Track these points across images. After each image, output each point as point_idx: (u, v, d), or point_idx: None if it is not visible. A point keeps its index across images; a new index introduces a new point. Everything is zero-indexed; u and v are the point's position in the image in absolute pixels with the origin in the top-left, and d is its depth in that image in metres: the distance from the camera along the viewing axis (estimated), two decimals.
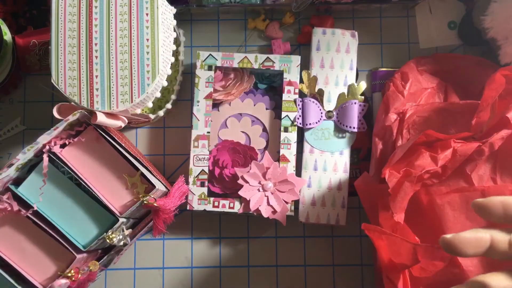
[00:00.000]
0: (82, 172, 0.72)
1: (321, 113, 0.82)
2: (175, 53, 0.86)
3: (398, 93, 0.81)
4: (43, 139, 0.70)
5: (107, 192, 0.73)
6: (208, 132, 0.82)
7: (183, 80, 0.87)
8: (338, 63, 0.83)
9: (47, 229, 0.70)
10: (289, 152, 0.81)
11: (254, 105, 0.85)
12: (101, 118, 0.70)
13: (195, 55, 0.88)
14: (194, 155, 0.81)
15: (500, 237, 0.50)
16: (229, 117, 0.85)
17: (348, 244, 0.86)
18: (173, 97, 0.85)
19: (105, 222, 0.73)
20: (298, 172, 0.82)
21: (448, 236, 0.50)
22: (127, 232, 0.74)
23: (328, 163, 0.82)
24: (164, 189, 0.78)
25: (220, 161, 0.82)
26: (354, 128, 0.82)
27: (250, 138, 0.85)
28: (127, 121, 0.75)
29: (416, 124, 0.79)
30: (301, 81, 0.83)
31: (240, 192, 0.80)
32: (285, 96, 0.82)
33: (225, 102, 0.85)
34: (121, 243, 0.73)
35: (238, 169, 0.81)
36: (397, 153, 0.72)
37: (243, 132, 0.85)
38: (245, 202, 0.80)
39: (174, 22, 0.78)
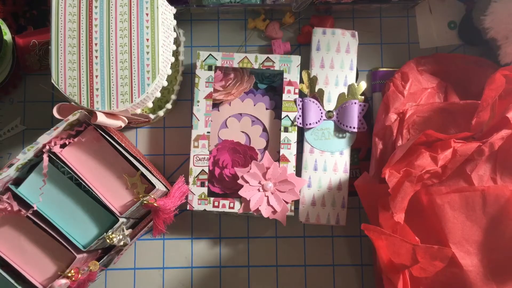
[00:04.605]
0: (82, 172, 0.72)
1: (321, 113, 0.82)
2: (175, 53, 0.86)
3: (398, 93, 0.81)
4: (43, 139, 0.70)
5: (107, 192, 0.73)
6: (208, 132, 0.82)
7: (183, 80, 0.87)
8: (338, 63, 0.83)
9: (47, 229, 0.70)
10: (289, 152, 0.81)
11: (254, 105, 0.85)
12: (101, 118, 0.70)
13: (195, 55, 0.88)
14: (194, 155, 0.81)
15: None
16: (229, 117, 0.85)
17: (348, 244, 0.86)
18: (173, 97, 0.85)
19: (105, 222, 0.73)
20: (298, 172, 0.82)
21: None
22: (127, 232, 0.74)
23: (328, 163, 0.82)
24: (164, 189, 0.78)
25: (220, 161, 0.82)
26: (354, 128, 0.82)
27: (250, 138, 0.85)
28: (127, 121, 0.75)
29: (416, 124, 0.79)
30: (301, 81, 0.83)
31: (240, 192, 0.80)
32: (285, 96, 0.82)
33: (225, 102, 0.85)
34: (121, 243, 0.73)
35: (238, 169, 0.81)
36: (397, 153, 0.72)
37: (243, 132, 0.85)
38: (245, 202, 0.80)
39: (174, 22, 0.78)
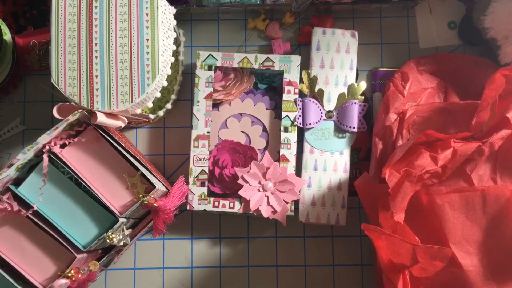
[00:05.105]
0: (82, 172, 0.72)
1: (321, 113, 0.82)
2: (175, 53, 0.86)
3: (398, 93, 0.81)
4: (43, 139, 0.70)
5: (107, 192, 0.73)
6: (208, 132, 0.82)
7: (183, 80, 0.87)
8: (338, 63, 0.83)
9: (47, 229, 0.70)
10: (289, 152, 0.81)
11: (254, 105, 0.85)
12: (101, 118, 0.70)
13: (195, 55, 0.88)
14: (194, 155, 0.81)
15: None
16: (229, 117, 0.85)
17: (348, 244, 0.86)
18: (173, 97, 0.85)
19: (105, 222, 0.73)
20: (298, 172, 0.82)
21: None
22: (127, 232, 0.74)
23: (328, 163, 0.82)
24: (164, 189, 0.78)
25: (220, 161, 0.82)
26: (354, 128, 0.82)
27: (250, 138, 0.85)
28: (127, 121, 0.75)
29: (416, 124, 0.79)
30: (301, 81, 0.83)
31: (240, 192, 0.80)
32: (285, 96, 0.82)
33: (225, 102, 0.85)
34: (121, 243, 0.73)
35: (238, 169, 0.81)
36: (397, 153, 0.72)
37: (243, 132, 0.85)
38: (245, 202, 0.80)
39: (174, 22, 0.78)
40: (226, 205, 0.81)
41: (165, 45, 0.73)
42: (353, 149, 0.85)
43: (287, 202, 0.80)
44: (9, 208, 0.70)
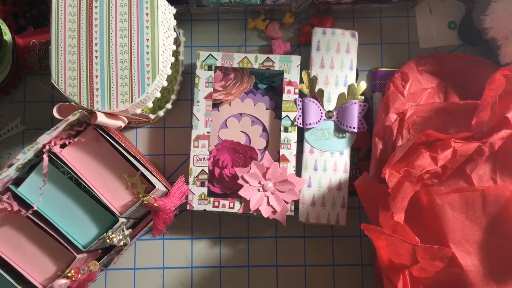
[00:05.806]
0: (82, 172, 0.72)
1: (321, 113, 0.82)
2: (175, 53, 0.86)
3: (398, 93, 0.81)
4: (43, 139, 0.70)
5: (107, 192, 0.73)
6: (208, 132, 0.82)
7: (183, 80, 0.87)
8: (338, 63, 0.83)
9: (47, 229, 0.70)
10: (289, 152, 0.81)
11: (254, 105, 0.85)
12: (101, 118, 0.70)
13: (195, 55, 0.88)
14: (194, 155, 0.81)
15: None
16: (229, 117, 0.85)
17: (348, 244, 0.86)
18: (173, 97, 0.85)
19: (105, 222, 0.73)
20: (298, 172, 0.82)
21: None
22: (127, 232, 0.74)
23: (328, 163, 0.82)
24: (164, 189, 0.78)
25: (220, 161, 0.82)
26: (354, 128, 0.82)
27: (250, 138, 0.85)
28: (127, 121, 0.75)
29: (416, 124, 0.79)
30: (301, 81, 0.83)
31: (240, 192, 0.80)
32: (285, 96, 0.82)
33: (225, 102, 0.85)
34: (121, 243, 0.73)
35: (238, 169, 0.81)
36: (397, 153, 0.72)
37: (243, 132, 0.85)
38: (245, 202, 0.80)
39: (174, 22, 0.78)
40: (226, 205, 0.81)
41: (165, 45, 0.73)
42: (353, 149, 0.85)
43: (287, 202, 0.80)
44: (9, 208, 0.70)
